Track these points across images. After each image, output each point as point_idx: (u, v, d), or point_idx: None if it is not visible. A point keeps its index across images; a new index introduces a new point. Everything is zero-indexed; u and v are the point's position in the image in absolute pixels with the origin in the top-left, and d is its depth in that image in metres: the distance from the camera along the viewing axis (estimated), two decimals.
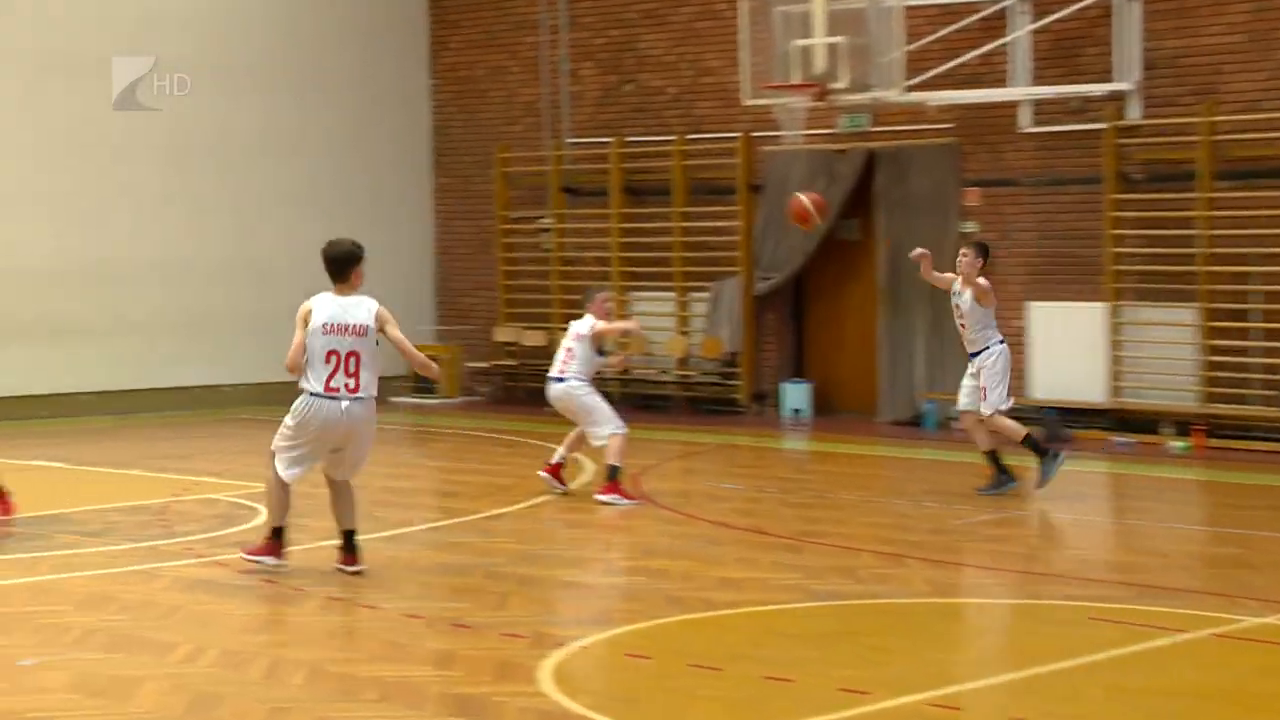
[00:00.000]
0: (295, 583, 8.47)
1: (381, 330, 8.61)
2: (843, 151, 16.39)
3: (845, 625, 7.74)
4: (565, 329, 11.68)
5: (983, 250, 11.38)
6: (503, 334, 18.79)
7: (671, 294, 17.73)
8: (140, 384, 17.43)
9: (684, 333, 17.66)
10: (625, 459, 11.20)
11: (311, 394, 8.53)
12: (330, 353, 8.50)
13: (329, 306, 8.60)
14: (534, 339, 18.39)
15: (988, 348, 11.23)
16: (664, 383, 17.70)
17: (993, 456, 11.32)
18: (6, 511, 10.27)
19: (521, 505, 11.11)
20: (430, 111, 19.72)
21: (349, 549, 8.72)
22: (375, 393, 8.64)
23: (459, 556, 9.48)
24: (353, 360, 8.51)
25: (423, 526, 10.54)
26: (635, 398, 17.78)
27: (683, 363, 17.57)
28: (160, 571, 8.82)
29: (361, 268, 8.71)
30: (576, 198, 18.46)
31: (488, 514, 10.81)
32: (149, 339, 17.43)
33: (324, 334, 8.52)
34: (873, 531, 10.14)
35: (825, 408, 16.74)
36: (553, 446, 11.78)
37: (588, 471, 12.69)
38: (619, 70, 18.17)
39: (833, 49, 14.92)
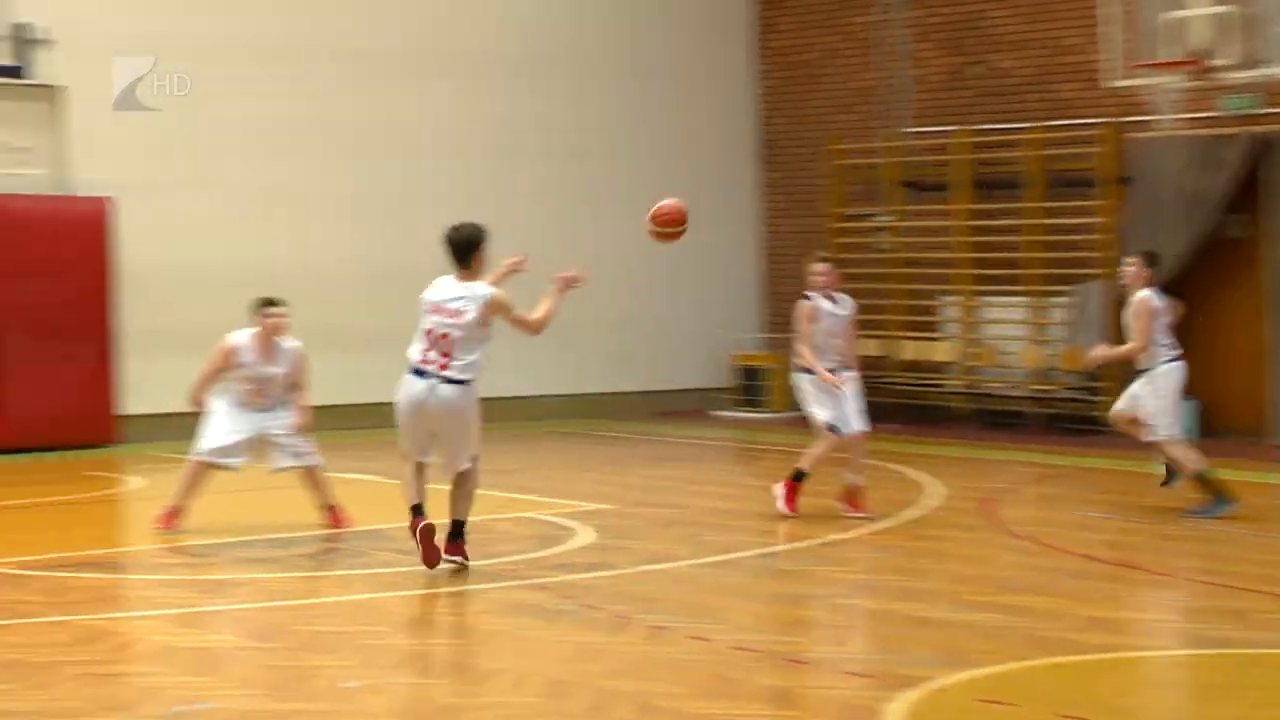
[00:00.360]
0: (619, 609, 8.64)
1: (506, 317, 9.21)
2: (1227, 137, 15.78)
3: (1235, 677, 7.42)
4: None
5: (1151, 259, 11.46)
6: None
7: (1024, 299, 17.37)
8: None
9: (1039, 342, 17.28)
10: (818, 466, 11.40)
11: (408, 369, 9.31)
12: (427, 330, 9.28)
13: (440, 288, 9.31)
14: (870, 348, 18.26)
15: (1156, 365, 11.27)
16: (1016, 398, 17.35)
17: (1202, 477, 11.31)
18: (338, 524, 11.03)
19: (861, 531, 11.06)
20: (756, 100, 19.87)
21: (455, 536, 9.31)
22: (471, 377, 9.20)
23: (793, 585, 9.51)
24: (444, 340, 9.18)
25: (752, 552, 10.60)
26: (984, 414, 17.50)
27: (1038, 375, 17.19)
28: (478, 594, 9.14)
29: (483, 252, 9.32)
30: (917, 193, 18.29)
31: (823, 539, 10.80)
32: None
33: (427, 311, 9.29)
34: (1268, 570, 9.71)
35: (1207, 428, 16.08)
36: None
37: (934, 495, 12.56)
38: (963, 51, 17.93)
39: (1215, 20, 14.42)
